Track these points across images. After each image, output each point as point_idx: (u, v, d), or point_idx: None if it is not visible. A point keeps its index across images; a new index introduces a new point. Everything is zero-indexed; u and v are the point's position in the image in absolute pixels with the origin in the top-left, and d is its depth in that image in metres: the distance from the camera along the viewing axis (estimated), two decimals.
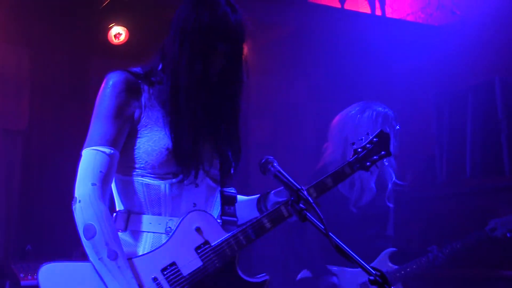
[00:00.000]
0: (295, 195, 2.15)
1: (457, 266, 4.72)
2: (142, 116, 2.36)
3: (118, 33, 5.60)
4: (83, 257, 4.86)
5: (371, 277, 1.92)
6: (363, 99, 6.20)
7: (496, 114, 5.57)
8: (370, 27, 6.08)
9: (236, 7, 2.41)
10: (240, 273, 2.37)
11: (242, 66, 2.44)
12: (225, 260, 2.32)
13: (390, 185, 4.24)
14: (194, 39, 2.33)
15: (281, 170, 2.27)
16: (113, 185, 2.43)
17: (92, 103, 6.30)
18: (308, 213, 2.11)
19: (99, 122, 2.34)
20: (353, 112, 4.27)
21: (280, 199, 2.51)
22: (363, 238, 4.12)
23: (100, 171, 2.26)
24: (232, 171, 2.52)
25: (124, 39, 5.62)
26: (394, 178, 4.25)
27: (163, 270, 2.27)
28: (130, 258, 2.26)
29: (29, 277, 4.55)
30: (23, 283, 4.52)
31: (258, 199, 2.63)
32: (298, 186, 2.17)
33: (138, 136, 2.36)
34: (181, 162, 2.34)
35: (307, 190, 2.47)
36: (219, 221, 2.43)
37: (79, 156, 5.92)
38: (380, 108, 4.26)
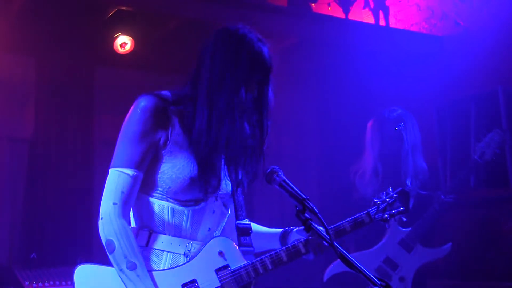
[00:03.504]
0: (301, 204, 2.17)
1: (466, 278, 4.71)
2: (168, 142, 2.44)
3: (123, 42, 5.63)
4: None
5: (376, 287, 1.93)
6: (366, 108, 6.24)
7: (499, 125, 5.57)
8: (374, 37, 6.10)
9: (263, 39, 2.56)
10: None
11: (270, 94, 2.60)
12: (241, 284, 2.47)
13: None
14: (234, 77, 2.43)
15: (287, 180, 2.29)
16: (137, 203, 2.52)
17: (98, 112, 6.34)
18: (313, 223, 2.13)
19: (126, 144, 2.42)
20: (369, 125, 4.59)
21: (303, 236, 2.63)
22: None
23: (122, 192, 2.38)
24: (243, 202, 2.67)
25: (129, 49, 5.65)
26: (409, 186, 4.36)
27: (184, 285, 2.42)
28: (151, 271, 2.41)
29: (34, 285, 4.55)
30: None
31: (282, 234, 2.77)
32: (304, 196, 2.19)
33: (163, 161, 2.45)
34: (205, 190, 2.47)
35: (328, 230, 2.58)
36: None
37: (83, 164, 5.94)
38: (382, 113, 4.53)
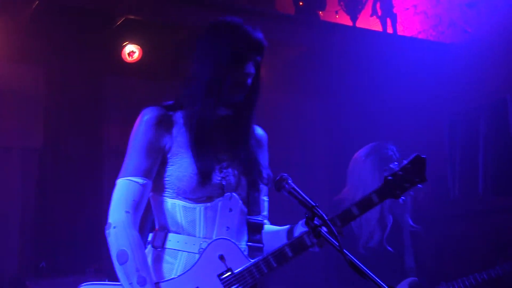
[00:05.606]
0: (310, 212, 2.16)
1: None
2: (172, 146, 2.49)
3: (131, 51, 5.66)
4: (96, 273, 4.89)
5: None
6: (374, 116, 6.23)
7: (508, 133, 5.56)
8: (381, 45, 6.10)
9: (254, 27, 2.56)
10: None
11: (260, 82, 2.58)
12: (246, 287, 2.40)
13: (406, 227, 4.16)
14: (222, 66, 2.45)
15: (296, 187, 2.28)
16: (153, 204, 2.57)
17: (106, 120, 6.37)
18: (322, 230, 2.13)
19: (133, 154, 2.48)
20: (360, 155, 4.19)
21: (307, 228, 2.45)
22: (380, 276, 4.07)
23: (133, 200, 2.41)
24: (258, 198, 2.59)
25: (137, 57, 5.68)
26: (410, 222, 4.18)
27: None
28: (158, 283, 2.39)
29: None
30: None
31: (289, 230, 2.65)
32: (313, 203, 2.19)
33: (170, 164, 2.49)
34: (208, 186, 2.46)
35: (332, 219, 2.46)
36: (244, 247, 2.53)
37: (92, 173, 5.97)
38: (385, 153, 4.14)
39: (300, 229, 2.56)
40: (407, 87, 6.10)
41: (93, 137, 5.87)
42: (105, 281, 2.60)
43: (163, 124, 2.50)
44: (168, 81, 6.15)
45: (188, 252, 2.45)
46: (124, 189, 2.42)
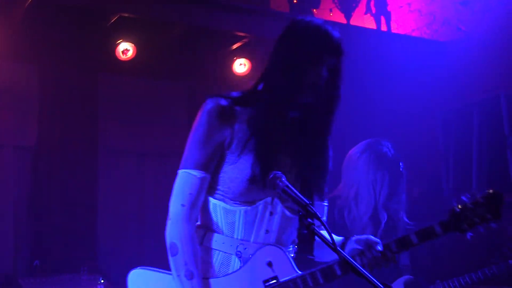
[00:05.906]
0: (304, 210, 2.16)
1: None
2: (233, 141, 2.43)
3: (125, 49, 5.65)
4: (90, 272, 4.88)
5: None
6: (368, 114, 6.24)
7: (502, 130, 5.58)
8: (375, 42, 6.11)
9: (334, 26, 2.52)
10: None
11: (338, 88, 2.59)
12: None
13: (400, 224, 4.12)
14: (294, 66, 2.41)
15: (289, 185, 2.27)
16: None
17: (100, 118, 6.34)
18: (316, 228, 2.12)
19: (193, 146, 2.43)
20: (355, 152, 4.16)
21: (360, 247, 2.45)
22: (374, 274, 4.01)
23: (190, 193, 2.40)
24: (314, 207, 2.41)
25: (131, 55, 5.67)
26: (405, 220, 4.15)
27: None
28: (207, 278, 2.42)
29: None
30: None
31: (342, 243, 2.55)
32: (307, 201, 2.18)
33: (227, 161, 2.43)
34: (257, 191, 2.41)
35: (387, 244, 2.44)
36: (292, 255, 2.50)
37: (87, 170, 5.94)
38: (380, 149, 4.09)
39: (352, 245, 2.49)
40: (401, 84, 6.11)
41: (87, 135, 5.86)
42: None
43: (225, 116, 2.42)
44: (163, 79, 6.16)
45: (225, 252, 2.45)
46: (182, 181, 2.41)
